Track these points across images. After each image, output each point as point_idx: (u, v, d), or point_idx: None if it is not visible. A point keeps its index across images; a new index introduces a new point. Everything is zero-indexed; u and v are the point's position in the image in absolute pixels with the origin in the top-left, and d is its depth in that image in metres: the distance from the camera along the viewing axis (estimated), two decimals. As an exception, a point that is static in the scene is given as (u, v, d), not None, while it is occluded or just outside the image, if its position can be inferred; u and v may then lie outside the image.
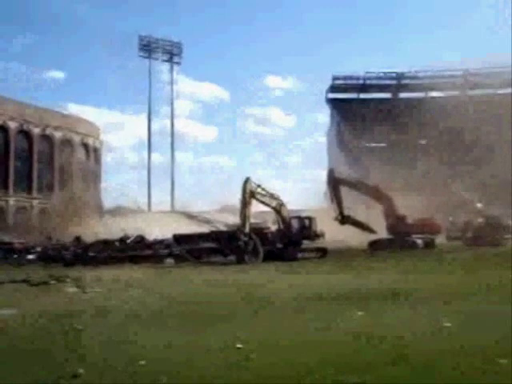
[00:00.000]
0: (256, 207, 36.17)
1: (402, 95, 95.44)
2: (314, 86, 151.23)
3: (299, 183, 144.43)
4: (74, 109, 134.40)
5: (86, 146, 78.91)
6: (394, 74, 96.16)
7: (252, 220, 34.44)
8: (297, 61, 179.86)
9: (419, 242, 39.60)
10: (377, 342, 7.93)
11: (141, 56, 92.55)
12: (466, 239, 41.89)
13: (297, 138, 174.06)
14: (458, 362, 6.66)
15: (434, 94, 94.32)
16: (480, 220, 43.12)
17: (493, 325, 9.21)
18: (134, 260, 31.68)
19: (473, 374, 6.22)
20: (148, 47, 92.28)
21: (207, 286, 18.23)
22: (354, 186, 43.85)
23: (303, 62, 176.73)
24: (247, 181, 33.20)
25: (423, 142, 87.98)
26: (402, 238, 39.77)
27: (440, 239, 41.86)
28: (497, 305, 11.44)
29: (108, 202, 78.36)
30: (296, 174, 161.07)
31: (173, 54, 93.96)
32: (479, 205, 45.82)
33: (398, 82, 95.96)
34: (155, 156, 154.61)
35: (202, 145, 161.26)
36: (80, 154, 77.59)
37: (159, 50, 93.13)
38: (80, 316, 11.37)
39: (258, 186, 34.08)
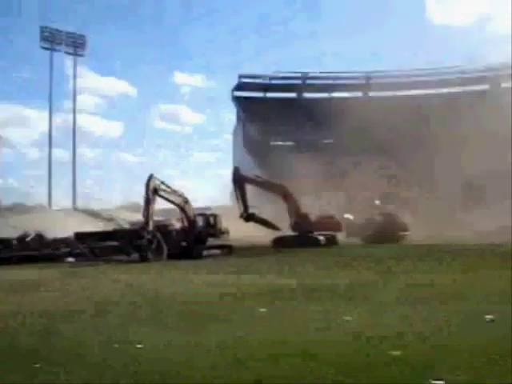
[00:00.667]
0: (161, 205, 35.85)
1: (307, 95, 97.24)
2: (223, 83, 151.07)
3: (206, 181, 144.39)
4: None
5: (-18, 140, 75.30)
6: (299, 74, 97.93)
7: (156, 218, 33.99)
8: (207, 58, 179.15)
9: (321, 238, 40.55)
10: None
11: (43, 47, 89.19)
12: (366, 236, 43.09)
13: (205, 136, 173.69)
14: (356, 349, 6.86)
15: (338, 94, 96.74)
16: (379, 217, 44.64)
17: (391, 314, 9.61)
18: (33, 259, 30.58)
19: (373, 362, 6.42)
20: (50, 39, 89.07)
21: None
22: (260, 184, 44.32)
23: (213, 60, 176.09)
24: (151, 177, 32.74)
25: (329, 140, 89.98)
26: (305, 235, 40.68)
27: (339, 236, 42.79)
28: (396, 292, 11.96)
29: (5, 199, 75.09)
30: (203, 171, 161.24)
31: (76, 46, 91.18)
32: (377, 202, 47.35)
33: (303, 82, 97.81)
34: (58, 152, 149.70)
35: (106, 141, 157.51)
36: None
37: (62, 42, 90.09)
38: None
39: (162, 182, 33.72)
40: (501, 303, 10.42)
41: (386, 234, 41.63)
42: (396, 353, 6.76)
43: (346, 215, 46.95)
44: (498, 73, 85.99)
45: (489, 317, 8.80)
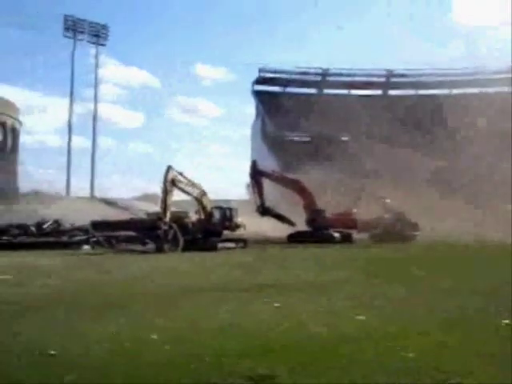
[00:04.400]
0: (178, 196, 36.04)
1: (327, 91, 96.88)
2: (244, 77, 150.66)
3: (224, 174, 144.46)
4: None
5: (3, 125, 75.91)
6: (319, 70, 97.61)
7: (173, 209, 34.20)
8: (229, 51, 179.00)
9: (336, 235, 40.60)
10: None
11: (66, 37, 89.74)
12: (374, 235, 43.04)
13: (223, 129, 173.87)
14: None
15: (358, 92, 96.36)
16: (388, 216, 44.44)
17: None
18: (50, 246, 30.94)
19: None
20: (73, 28, 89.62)
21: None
22: (276, 179, 44.46)
23: (235, 53, 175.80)
24: (169, 169, 32.95)
25: (346, 138, 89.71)
26: (320, 231, 40.73)
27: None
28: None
29: (24, 186, 75.74)
30: (221, 164, 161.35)
31: (99, 36, 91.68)
32: (388, 200, 47.09)
33: (323, 78, 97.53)
34: (78, 141, 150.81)
35: (126, 131, 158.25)
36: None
37: (85, 31, 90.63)
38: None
39: (180, 174, 33.90)
40: None
41: (395, 232, 41.52)
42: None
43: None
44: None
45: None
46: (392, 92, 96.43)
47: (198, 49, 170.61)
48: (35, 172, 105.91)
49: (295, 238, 39.72)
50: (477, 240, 35.83)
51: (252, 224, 39.31)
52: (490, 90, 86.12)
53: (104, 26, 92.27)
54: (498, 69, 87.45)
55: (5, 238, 33.18)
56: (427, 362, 6.46)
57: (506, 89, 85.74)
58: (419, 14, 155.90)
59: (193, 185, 34.98)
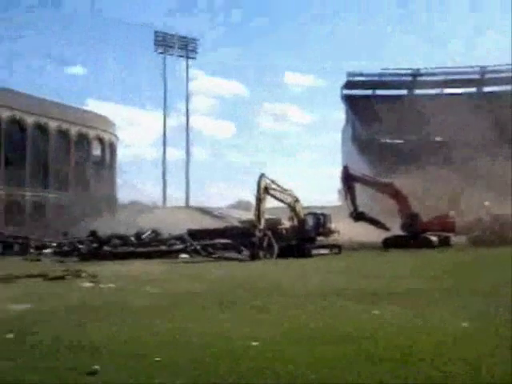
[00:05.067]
0: (271, 203, 36.28)
1: (418, 92, 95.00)
2: (333, 82, 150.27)
3: (315, 180, 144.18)
4: (91, 104, 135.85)
5: (101, 141, 79.28)
6: (409, 71, 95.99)
7: (266, 216, 34.43)
8: (317, 57, 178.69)
9: (434, 239, 39.54)
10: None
11: (157, 52, 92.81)
12: (473, 238, 41.61)
13: (314, 135, 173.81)
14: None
15: (450, 90, 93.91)
16: (488, 219, 42.92)
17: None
18: (149, 255, 31.89)
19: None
20: (163, 43, 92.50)
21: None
22: (369, 183, 43.89)
23: (323, 59, 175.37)
24: (262, 176, 33.18)
25: (438, 138, 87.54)
26: (416, 236, 39.84)
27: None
28: None
29: (123, 198, 78.73)
30: (312, 171, 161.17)
31: (188, 49, 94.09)
32: (487, 203, 45.49)
33: (414, 79, 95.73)
34: (172, 152, 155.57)
35: (219, 141, 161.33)
36: (96, 149, 78.12)
37: (175, 45, 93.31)
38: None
39: (273, 181, 34.08)
40: None
41: (494, 234, 40.05)
42: None
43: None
44: None
45: None
46: (486, 89, 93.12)
47: (285, 56, 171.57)
48: (133, 184, 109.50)
49: (391, 243, 39.05)
50: None
51: (345, 230, 38.98)
52: None
53: (193, 40, 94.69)
54: None
55: (107, 248, 34.53)
56: None
57: None
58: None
59: (285, 192, 35.07)
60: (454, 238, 41.33)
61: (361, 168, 59.89)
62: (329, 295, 13.22)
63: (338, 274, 20.27)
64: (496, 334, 8.24)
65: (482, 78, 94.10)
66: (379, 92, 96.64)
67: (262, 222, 32.15)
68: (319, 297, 13.00)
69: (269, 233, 31.88)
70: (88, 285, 17.09)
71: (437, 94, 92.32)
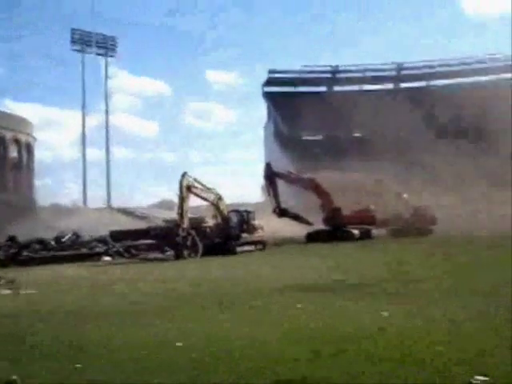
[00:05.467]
0: (195, 202, 36.10)
1: (337, 88, 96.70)
2: (254, 79, 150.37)
3: (239, 177, 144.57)
4: (8, 105, 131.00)
5: (17, 142, 76.52)
6: (328, 68, 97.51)
7: (190, 215, 34.21)
8: (237, 55, 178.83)
9: (356, 232, 40.47)
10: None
11: (74, 50, 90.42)
12: (393, 230, 42.95)
13: (237, 132, 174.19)
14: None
15: (368, 87, 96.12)
16: (407, 211, 44.36)
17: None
18: (71, 259, 31.06)
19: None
20: (81, 41, 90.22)
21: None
22: (291, 179, 44.38)
23: (244, 57, 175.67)
24: (184, 175, 32.96)
25: (357, 134, 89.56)
26: (338, 229, 40.68)
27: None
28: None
29: (42, 200, 76.33)
30: (235, 168, 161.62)
31: (107, 48, 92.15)
32: (405, 196, 47.05)
33: (333, 76, 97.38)
34: (93, 152, 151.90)
35: (141, 140, 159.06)
36: (12, 151, 75.34)
37: (92, 43, 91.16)
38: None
39: (195, 180, 33.91)
40: None
41: (412, 226, 41.53)
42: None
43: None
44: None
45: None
46: (403, 85, 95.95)
47: (206, 55, 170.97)
48: (52, 186, 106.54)
49: (314, 237, 39.72)
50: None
51: (269, 226, 39.29)
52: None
53: (112, 38, 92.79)
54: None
55: (26, 253, 33.33)
56: None
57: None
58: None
59: (208, 190, 34.95)
60: (375, 231, 42.46)
61: (283, 164, 60.57)
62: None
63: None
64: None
65: (399, 74, 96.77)
66: (300, 89, 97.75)
67: (186, 221, 31.94)
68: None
69: (193, 232, 31.69)
70: (6, 292, 16.49)
71: (356, 91, 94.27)
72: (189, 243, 31.04)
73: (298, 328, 8.77)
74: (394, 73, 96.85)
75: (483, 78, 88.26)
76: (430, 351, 6.77)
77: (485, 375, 5.61)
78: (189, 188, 32.92)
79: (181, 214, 32.15)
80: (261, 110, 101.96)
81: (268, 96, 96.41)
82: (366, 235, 40.86)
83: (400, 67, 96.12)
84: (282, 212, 41.96)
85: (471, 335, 7.63)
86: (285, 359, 6.72)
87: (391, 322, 8.85)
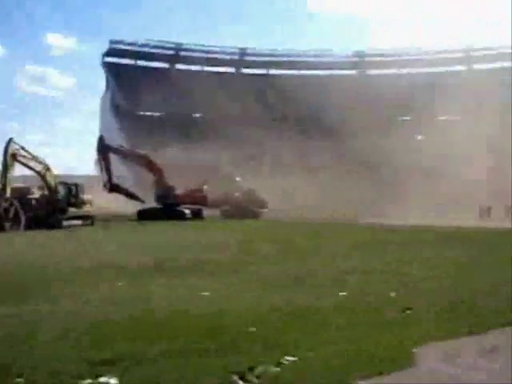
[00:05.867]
0: (22, 171, 34.30)
1: (180, 67, 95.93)
2: (96, 48, 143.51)
3: (74, 148, 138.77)
4: None
5: None
6: (172, 44, 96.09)
7: (14, 184, 32.43)
8: (81, 21, 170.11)
9: (187, 211, 40.77)
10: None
11: None
12: (224, 211, 43.98)
13: (73, 101, 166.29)
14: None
15: (210, 68, 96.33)
16: (238, 193, 45.61)
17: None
18: None
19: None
20: None
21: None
22: (124, 154, 43.72)
23: (88, 23, 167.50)
24: (9, 142, 31.15)
25: (197, 114, 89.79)
26: (170, 208, 40.69)
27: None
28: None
29: None
30: (69, 138, 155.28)
31: None
32: (238, 178, 48.32)
33: (176, 53, 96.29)
34: None
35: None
36: None
37: None
38: None
39: (22, 148, 32.21)
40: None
41: (244, 209, 42.74)
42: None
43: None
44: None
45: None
46: (245, 70, 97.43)
47: (48, 18, 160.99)
48: None
49: (146, 215, 39.32)
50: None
51: (101, 201, 38.45)
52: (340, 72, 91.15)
53: None
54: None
55: None
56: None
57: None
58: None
59: (35, 159, 33.30)
60: (207, 211, 43.02)
61: (119, 138, 59.40)
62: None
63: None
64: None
65: (242, 59, 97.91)
66: (142, 63, 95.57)
67: (8, 190, 30.28)
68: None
69: (16, 202, 30.08)
70: None
71: (198, 71, 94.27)
72: (11, 215, 29.44)
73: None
74: (236, 57, 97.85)
75: (321, 73, 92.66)
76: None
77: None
78: (14, 156, 31.21)
79: (3, 183, 30.41)
80: (101, 80, 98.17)
81: (108, 66, 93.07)
82: (197, 215, 41.28)
83: (243, 52, 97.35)
84: (112, 187, 41.17)
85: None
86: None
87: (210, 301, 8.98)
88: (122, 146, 45.41)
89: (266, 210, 44.31)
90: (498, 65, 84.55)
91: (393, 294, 9.28)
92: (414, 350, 5.78)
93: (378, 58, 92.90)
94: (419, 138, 75.63)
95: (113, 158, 41.82)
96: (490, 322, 7.13)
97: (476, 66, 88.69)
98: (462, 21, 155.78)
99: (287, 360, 5.45)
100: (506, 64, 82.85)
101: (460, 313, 7.78)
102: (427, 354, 5.71)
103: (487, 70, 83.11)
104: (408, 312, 7.77)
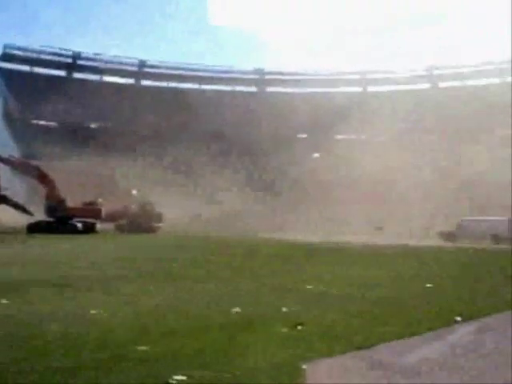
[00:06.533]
0: None
1: (78, 75, 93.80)
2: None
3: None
4: None
5: None
6: (70, 52, 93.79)
7: None
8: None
9: (79, 225, 39.53)
10: None
11: None
12: (120, 225, 43.29)
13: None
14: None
15: (112, 79, 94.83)
16: (134, 207, 45.03)
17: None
18: None
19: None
20: None
21: None
22: (14, 164, 41.91)
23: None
24: None
25: (94, 125, 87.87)
26: (62, 221, 39.32)
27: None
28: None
29: None
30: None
31: None
32: (134, 192, 47.67)
33: (74, 62, 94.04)
34: None
35: None
36: None
37: None
38: None
39: None
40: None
41: (139, 223, 42.23)
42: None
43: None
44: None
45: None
46: (144, 82, 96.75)
47: None
48: None
49: (36, 228, 37.70)
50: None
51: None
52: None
53: None
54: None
55: None
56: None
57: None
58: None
59: None
60: (101, 225, 41.93)
61: (11, 148, 57.11)
62: None
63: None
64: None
65: (141, 70, 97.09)
66: (38, 70, 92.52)
67: None
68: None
69: None
70: None
71: (97, 81, 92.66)
72: None
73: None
74: (135, 68, 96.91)
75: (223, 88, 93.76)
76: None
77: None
78: None
79: None
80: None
81: (1, 72, 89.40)
82: (90, 229, 40.09)
83: (143, 64, 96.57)
84: (0, 199, 39.29)
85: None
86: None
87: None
88: (12, 156, 43.47)
89: (162, 224, 43.92)
90: (393, 87, 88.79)
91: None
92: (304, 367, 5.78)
93: (278, 76, 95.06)
94: (315, 155, 77.80)
95: (2, 168, 39.97)
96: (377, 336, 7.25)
97: (370, 89, 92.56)
98: (359, 44, 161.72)
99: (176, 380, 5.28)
100: (402, 87, 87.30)
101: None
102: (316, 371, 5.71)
103: (383, 93, 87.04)
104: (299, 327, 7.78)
